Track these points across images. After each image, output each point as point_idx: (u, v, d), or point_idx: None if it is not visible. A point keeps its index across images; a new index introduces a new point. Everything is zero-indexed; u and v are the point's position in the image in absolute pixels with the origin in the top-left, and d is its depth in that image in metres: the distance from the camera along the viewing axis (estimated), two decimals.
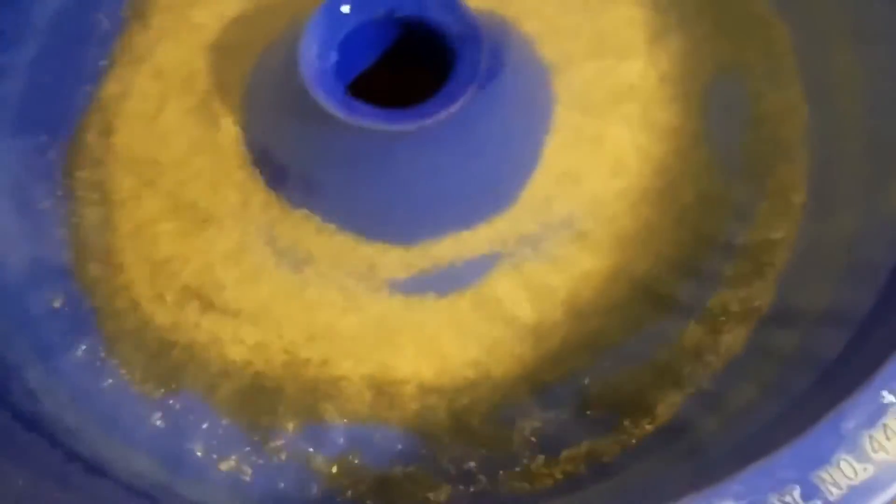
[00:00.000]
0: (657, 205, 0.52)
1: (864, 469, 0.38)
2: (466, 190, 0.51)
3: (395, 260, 0.51)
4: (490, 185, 0.52)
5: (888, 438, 0.38)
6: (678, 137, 0.53)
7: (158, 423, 0.49)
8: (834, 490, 0.38)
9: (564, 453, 0.48)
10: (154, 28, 0.56)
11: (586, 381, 0.49)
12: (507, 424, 0.49)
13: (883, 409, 0.39)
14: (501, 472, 0.48)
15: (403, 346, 0.50)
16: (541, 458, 0.48)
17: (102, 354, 0.51)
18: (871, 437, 0.38)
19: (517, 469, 0.48)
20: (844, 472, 0.38)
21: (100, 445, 0.48)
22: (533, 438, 0.48)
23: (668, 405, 0.49)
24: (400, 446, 0.48)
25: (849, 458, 0.38)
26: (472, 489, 0.48)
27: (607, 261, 0.51)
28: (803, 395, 0.46)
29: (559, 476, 0.48)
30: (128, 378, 0.50)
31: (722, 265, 0.51)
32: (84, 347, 0.51)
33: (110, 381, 0.50)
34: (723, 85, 0.54)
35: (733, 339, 0.50)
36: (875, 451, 0.38)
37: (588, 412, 0.49)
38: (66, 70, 0.56)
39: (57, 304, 0.51)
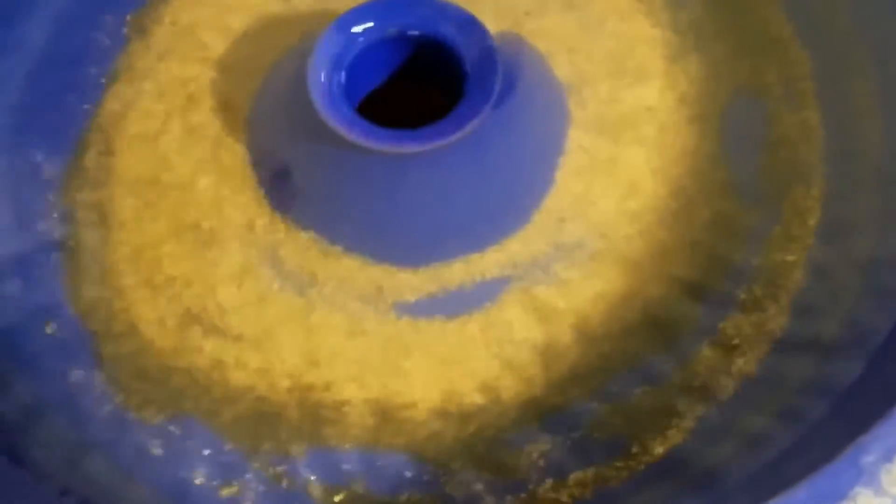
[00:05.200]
0: (671, 227, 0.51)
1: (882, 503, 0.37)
2: (478, 212, 0.50)
3: (403, 282, 0.50)
4: (502, 207, 0.51)
5: None
6: (694, 159, 0.52)
7: (157, 450, 0.48)
8: None
9: (572, 477, 0.47)
10: (156, 46, 0.56)
11: (595, 404, 0.48)
12: (514, 448, 0.48)
13: None
14: (509, 496, 0.47)
15: (410, 371, 0.49)
16: (548, 482, 0.47)
17: (99, 380, 0.49)
18: (889, 470, 0.38)
19: (524, 493, 0.47)
20: None
21: (94, 475, 0.47)
22: (541, 462, 0.47)
23: (679, 430, 0.48)
24: (405, 472, 0.47)
25: (867, 492, 0.37)
26: None
27: (619, 283, 0.50)
28: (819, 424, 0.45)
29: (566, 500, 0.47)
30: (126, 404, 0.49)
31: (735, 288, 0.50)
32: (80, 373, 0.49)
33: (107, 407, 0.49)
34: (740, 107, 0.54)
35: (746, 363, 0.49)
36: (892, 485, 0.38)
37: (597, 436, 0.48)
38: (65, 88, 0.55)
39: (50, 329, 0.50)
